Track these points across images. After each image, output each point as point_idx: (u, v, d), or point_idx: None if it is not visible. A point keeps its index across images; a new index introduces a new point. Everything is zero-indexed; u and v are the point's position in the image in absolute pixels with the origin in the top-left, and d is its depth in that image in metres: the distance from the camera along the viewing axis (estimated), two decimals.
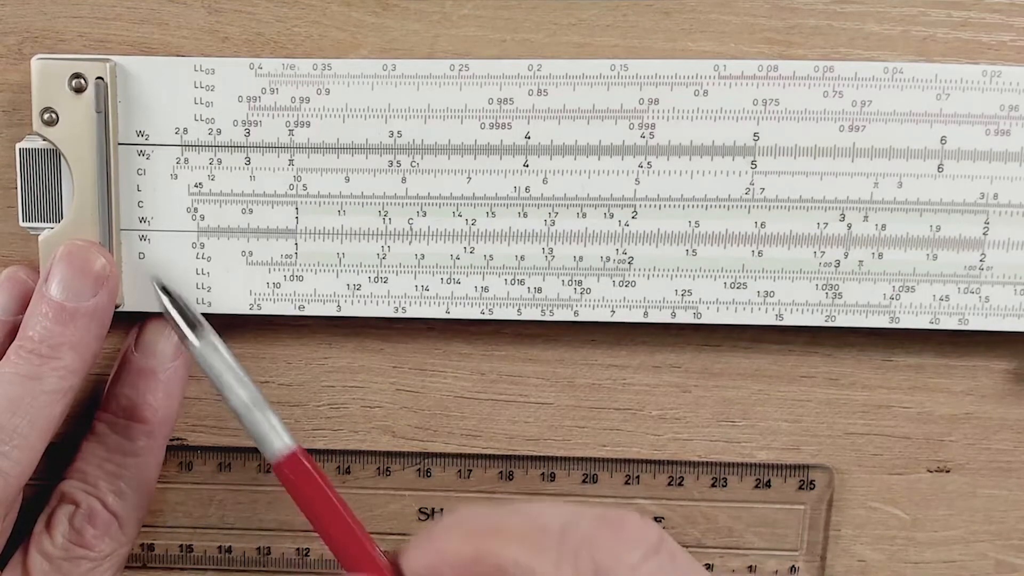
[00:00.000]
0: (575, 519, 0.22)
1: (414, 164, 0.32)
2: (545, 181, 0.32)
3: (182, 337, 0.30)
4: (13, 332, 0.31)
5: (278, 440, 0.29)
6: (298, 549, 0.35)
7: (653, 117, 0.32)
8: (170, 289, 0.31)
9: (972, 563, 0.35)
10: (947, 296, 0.32)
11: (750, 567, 0.35)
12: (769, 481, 0.35)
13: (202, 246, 0.32)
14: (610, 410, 0.35)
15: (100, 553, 0.32)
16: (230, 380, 0.29)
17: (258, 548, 0.36)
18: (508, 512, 0.23)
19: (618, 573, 0.21)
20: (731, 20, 0.32)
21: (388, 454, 0.35)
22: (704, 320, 0.32)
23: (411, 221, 0.32)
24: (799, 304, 0.32)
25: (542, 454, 0.35)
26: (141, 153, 0.32)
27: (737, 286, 0.32)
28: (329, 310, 0.33)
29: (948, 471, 0.35)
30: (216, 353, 0.30)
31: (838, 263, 0.32)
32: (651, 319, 0.33)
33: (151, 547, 0.35)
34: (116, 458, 0.32)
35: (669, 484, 0.35)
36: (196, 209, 0.32)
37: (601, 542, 0.22)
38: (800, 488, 0.35)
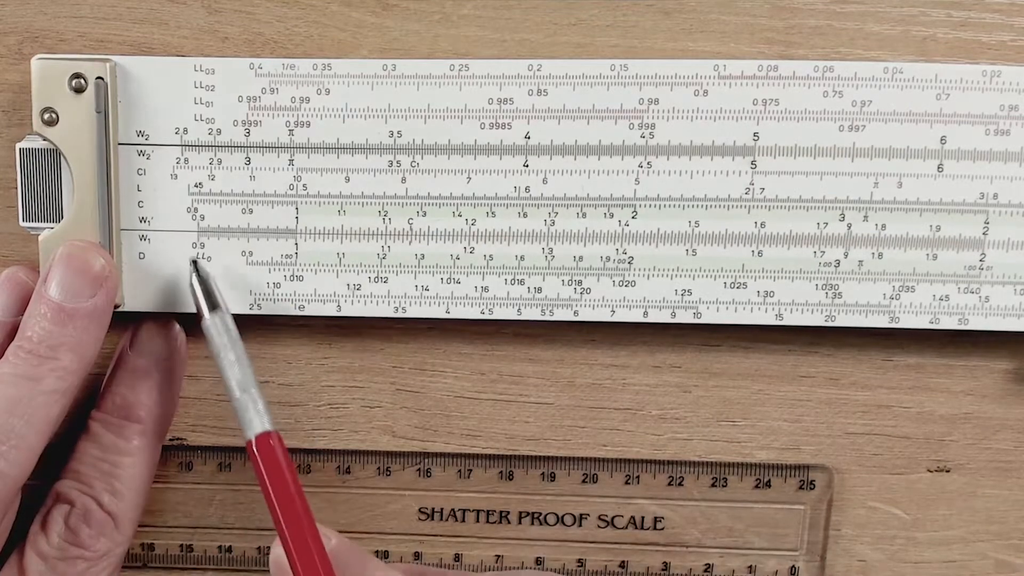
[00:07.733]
0: None
1: (414, 164, 0.32)
2: (545, 181, 0.32)
3: (198, 310, 0.32)
4: (12, 333, 0.31)
5: (258, 421, 0.30)
6: None
7: (653, 117, 0.32)
8: (200, 268, 0.32)
9: (972, 563, 0.35)
10: (947, 296, 0.32)
11: (750, 567, 0.35)
12: (769, 481, 0.35)
13: (202, 246, 0.32)
14: (610, 410, 0.34)
15: (96, 553, 0.32)
16: (228, 357, 0.31)
17: (258, 548, 0.35)
18: None
19: None
20: (731, 20, 0.32)
21: (388, 454, 0.35)
22: (704, 320, 0.32)
23: (411, 221, 0.32)
24: (799, 304, 0.32)
25: (542, 454, 0.35)
26: (141, 153, 0.32)
27: (737, 286, 0.32)
28: (329, 310, 0.33)
29: (948, 471, 0.35)
30: (221, 332, 0.31)
31: (838, 263, 0.32)
32: (651, 319, 0.32)
33: (151, 547, 0.35)
34: (111, 457, 0.32)
35: (669, 484, 0.35)
36: (196, 209, 0.32)
37: None
38: (800, 488, 0.35)
